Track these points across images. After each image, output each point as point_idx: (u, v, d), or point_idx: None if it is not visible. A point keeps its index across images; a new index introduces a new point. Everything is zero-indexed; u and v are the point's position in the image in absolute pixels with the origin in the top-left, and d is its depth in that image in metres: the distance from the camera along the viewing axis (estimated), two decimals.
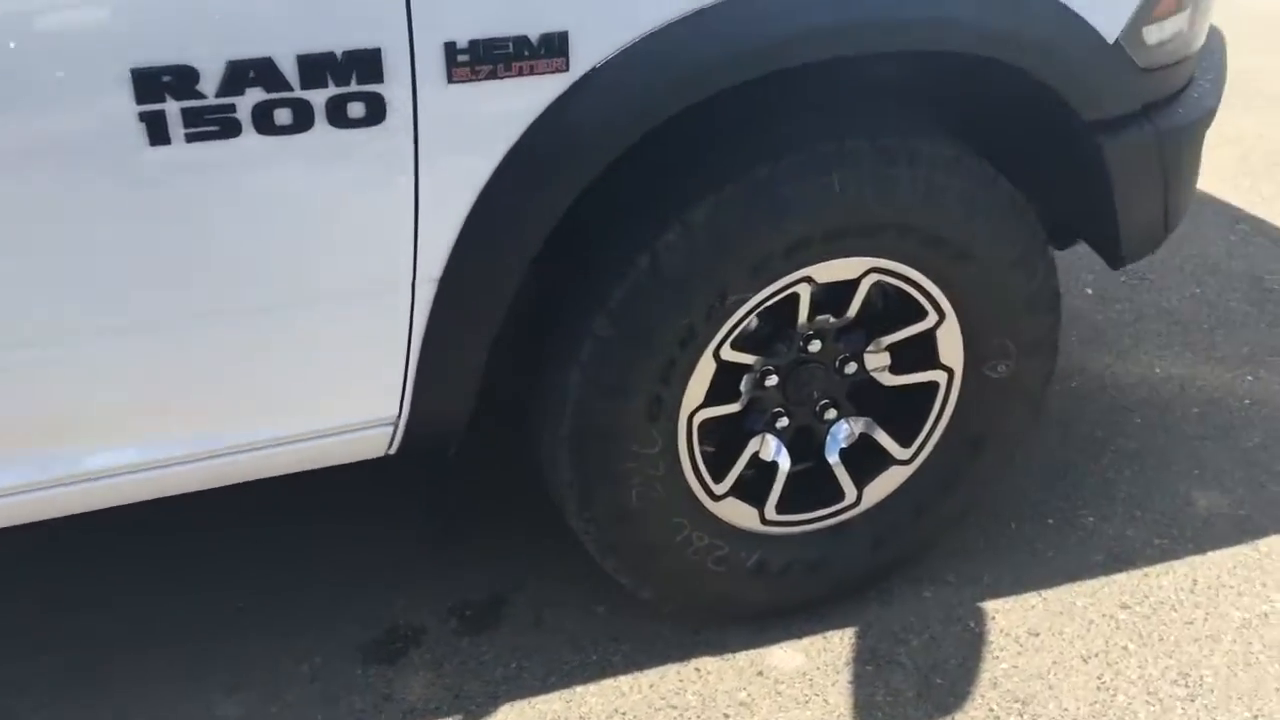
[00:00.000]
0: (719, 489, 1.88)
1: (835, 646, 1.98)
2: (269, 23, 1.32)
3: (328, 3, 1.33)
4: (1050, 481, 2.36)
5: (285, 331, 1.53)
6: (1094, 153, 1.79)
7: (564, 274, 1.70)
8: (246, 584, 2.09)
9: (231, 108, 1.34)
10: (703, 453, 1.84)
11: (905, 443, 1.98)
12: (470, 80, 1.41)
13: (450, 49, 1.39)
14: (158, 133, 1.33)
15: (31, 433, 1.50)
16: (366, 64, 1.37)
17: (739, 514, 1.92)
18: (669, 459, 1.79)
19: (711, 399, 1.80)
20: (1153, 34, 1.75)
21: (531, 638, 2.00)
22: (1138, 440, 2.48)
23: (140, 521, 1.90)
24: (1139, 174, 1.85)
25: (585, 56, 1.45)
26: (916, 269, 1.79)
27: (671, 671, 1.93)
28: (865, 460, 1.98)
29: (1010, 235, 1.80)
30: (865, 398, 1.95)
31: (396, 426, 1.69)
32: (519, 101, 1.45)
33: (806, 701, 1.88)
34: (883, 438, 1.97)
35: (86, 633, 1.98)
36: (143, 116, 1.31)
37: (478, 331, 1.61)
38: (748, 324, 1.75)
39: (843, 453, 1.96)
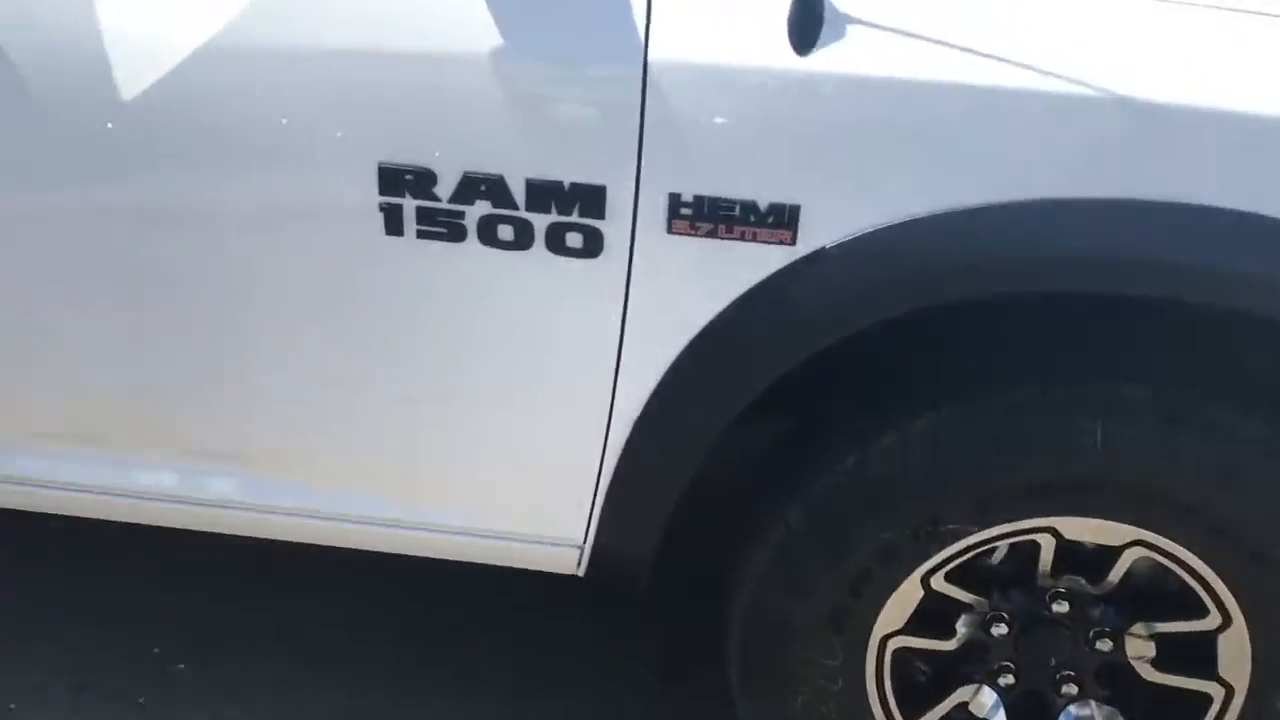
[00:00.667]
0: None
1: None
2: (508, 146, 1.37)
3: (563, 135, 1.36)
4: None
5: (481, 428, 1.57)
6: None
7: (775, 446, 1.60)
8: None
9: (460, 215, 1.40)
10: (899, 685, 1.64)
11: None
12: (689, 234, 1.37)
13: (674, 200, 1.36)
14: (394, 225, 1.42)
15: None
16: (590, 199, 1.37)
17: None
18: (850, 678, 1.62)
19: (915, 628, 1.60)
20: None
21: None
22: None
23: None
24: None
25: (815, 234, 1.35)
26: (1198, 557, 1.48)
27: None
28: None
29: None
30: (1117, 683, 1.64)
31: (582, 551, 1.67)
32: (737, 265, 1.38)
33: None
34: None
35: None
36: (383, 208, 1.41)
37: (667, 482, 1.56)
38: (969, 560, 1.54)
39: None
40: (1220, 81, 1.31)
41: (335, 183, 1.41)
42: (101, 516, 1.74)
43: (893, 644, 1.61)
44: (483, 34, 1.33)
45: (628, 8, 1.32)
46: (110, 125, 1.42)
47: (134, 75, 1.39)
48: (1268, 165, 1.30)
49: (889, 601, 1.57)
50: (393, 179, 1.39)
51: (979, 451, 1.44)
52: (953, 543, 1.51)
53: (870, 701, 1.65)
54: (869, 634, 1.59)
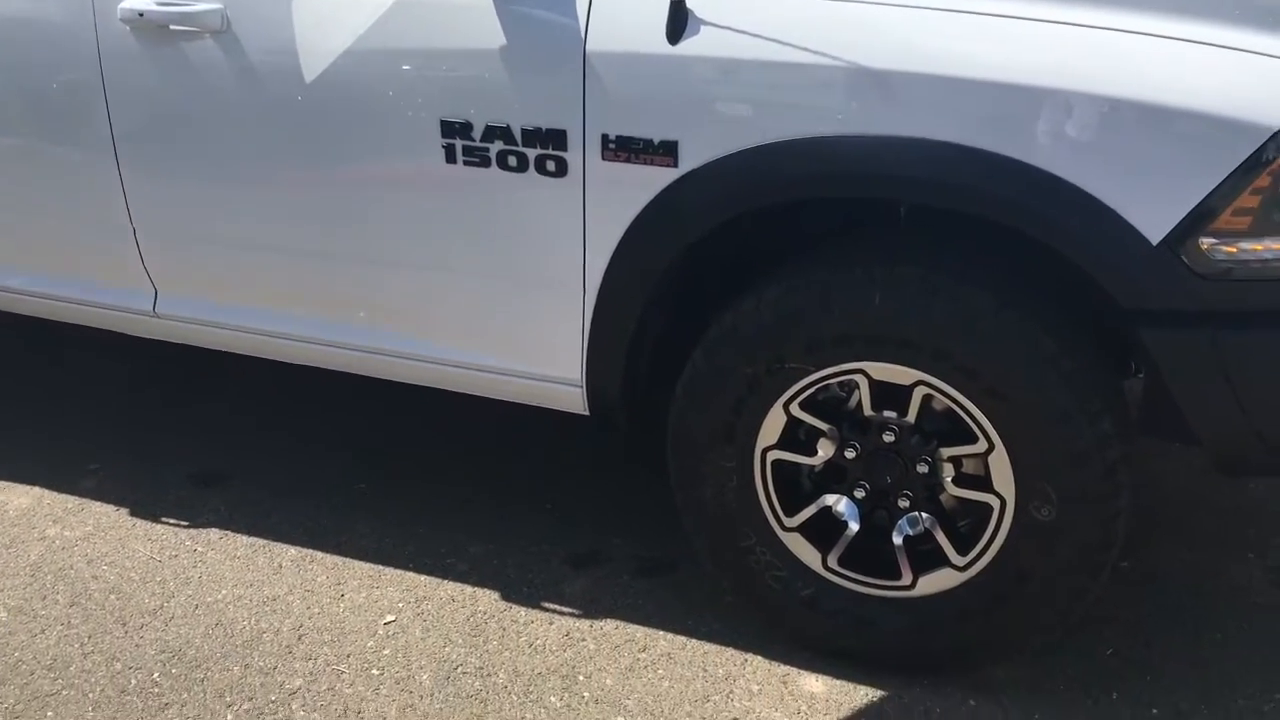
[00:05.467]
0: (789, 522, 2.36)
1: (853, 697, 2.32)
2: (510, 105, 2.23)
3: (541, 101, 2.21)
4: (1165, 654, 2.36)
5: (506, 296, 2.43)
6: (1139, 340, 1.97)
7: (686, 317, 2.37)
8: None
9: (487, 150, 2.28)
10: (780, 487, 2.34)
11: (962, 551, 2.26)
12: (615, 161, 2.18)
13: (605, 138, 2.18)
14: (450, 157, 2.32)
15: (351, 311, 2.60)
16: (558, 138, 2.21)
17: (803, 550, 2.37)
18: (742, 478, 2.34)
19: (787, 445, 2.30)
20: (1219, 247, 1.89)
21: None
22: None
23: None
24: (1197, 378, 1.96)
25: (689, 160, 2.13)
26: (961, 393, 2.12)
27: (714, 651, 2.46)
28: (927, 553, 2.30)
29: (1049, 389, 2.04)
30: (934, 498, 2.28)
31: (583, 390, 2.48)
32: (645, 181, 2.18)
33: (794, 713, 2.29)
34: (942, 540, 2.27)
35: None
36: (444, 146, 2.31)
37: (621, 328, 2.34)
38: (814, 393, 2.24)
39: (908, 539, 2.31)
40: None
41: (415, 135, 2.33)
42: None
43: (771, 455, 2.32)
44: (494, 37, 2.21)
45: (574, 15, 2.15)
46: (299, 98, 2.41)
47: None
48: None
49: (765, 421, 2.29)
50: (448, 128, 2.29)
51: (802, 311, 2.16)
52: (798, 379, 2.22)
53: (760, 499, 2.36)
54: (753, 446, 2.32)
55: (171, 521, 2.94)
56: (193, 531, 2.90)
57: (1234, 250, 1.89)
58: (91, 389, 3.62)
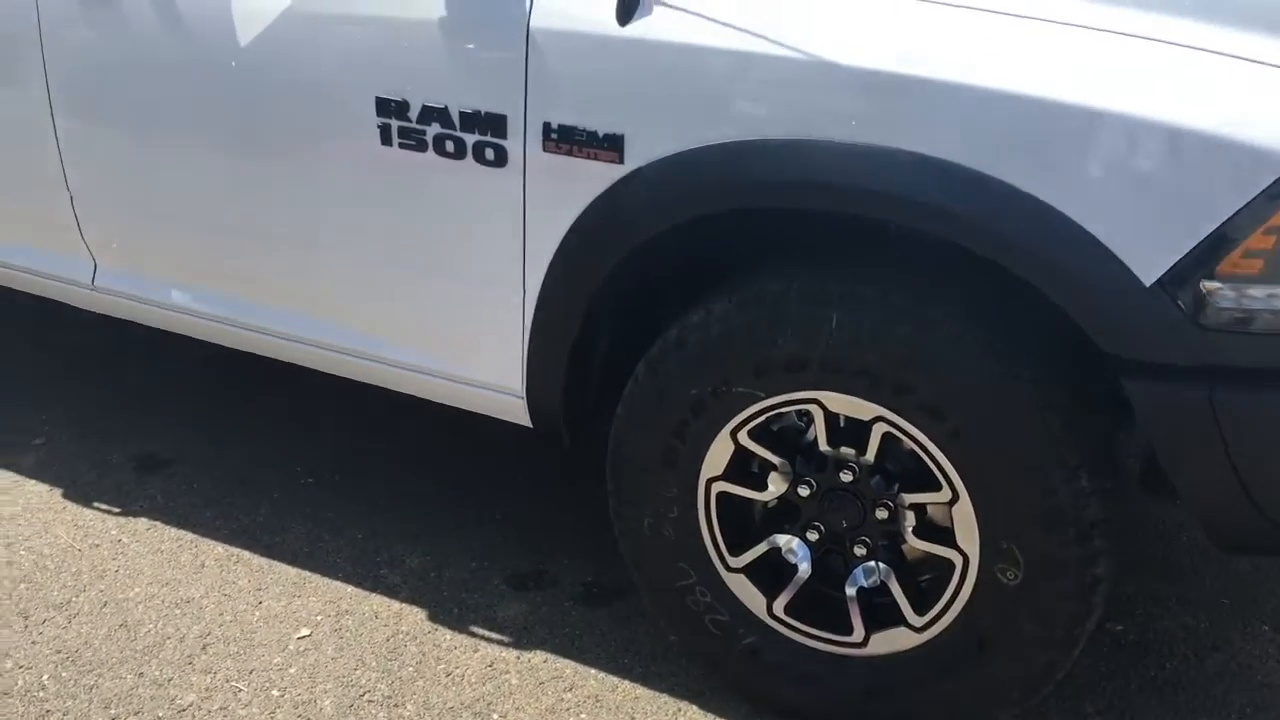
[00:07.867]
0: (734, 562, 2.13)
1: None
2: (448, 85, 2.02)
3: (481, 81, 1.99)
4: None
5: (444, 293, 2.22)
6: (1124, 392, 1.72)
7: (631, 329, 2.14)
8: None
9: (424, 133, 2.07)
10: (725, 522, 2.11)
11: (920, 610, 2.01)
12: (556, 153, 1.96)
13: (547, 127, 1.96)
14: (386, 138, 2.11)
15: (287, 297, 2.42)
16: (498, 124, 2.00)
17: (748, 594, 2.14)
18: (683, 508, 2.11)
19: (734, 477, 2.07)
20: (1225, 292, 1.62)
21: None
22: None
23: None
24: (1188, 441, 1.70)
25: (636, 157, 1.90)
26: (924, 434, 1.88)
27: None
28: (881, 608, 2.06)
29: (1018, 436, 1.79)
30: (893, 548, 2.04)
31: (525, 400, 2.27)
32: (589, 177, 1.95)
33: None
34: (899, 594, 2.03)
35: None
36: (379, 126, 2.11)
37: (562, 336, 2.12)
38: (764, 422, 2.00)
39: (862, 591, 2.07)
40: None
41: (352, 113, 2.12)
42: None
43: (716, 487, 2.09)
44: (433, 6, 1.99)
45: None
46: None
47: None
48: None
49: (710, 450, 2.06)
50: (384, 106, 2.09)
51: (753, 328, 1.92)
52: (746, 405, 1.99)
53: (702, 534, 2.13)
54: (697, 476, 2.09)
55: (103, 507, 2.78)
56: (121, 520, 2.73)
57: (1242, 297, 1.63)
58: (55, 359, 3.48)
